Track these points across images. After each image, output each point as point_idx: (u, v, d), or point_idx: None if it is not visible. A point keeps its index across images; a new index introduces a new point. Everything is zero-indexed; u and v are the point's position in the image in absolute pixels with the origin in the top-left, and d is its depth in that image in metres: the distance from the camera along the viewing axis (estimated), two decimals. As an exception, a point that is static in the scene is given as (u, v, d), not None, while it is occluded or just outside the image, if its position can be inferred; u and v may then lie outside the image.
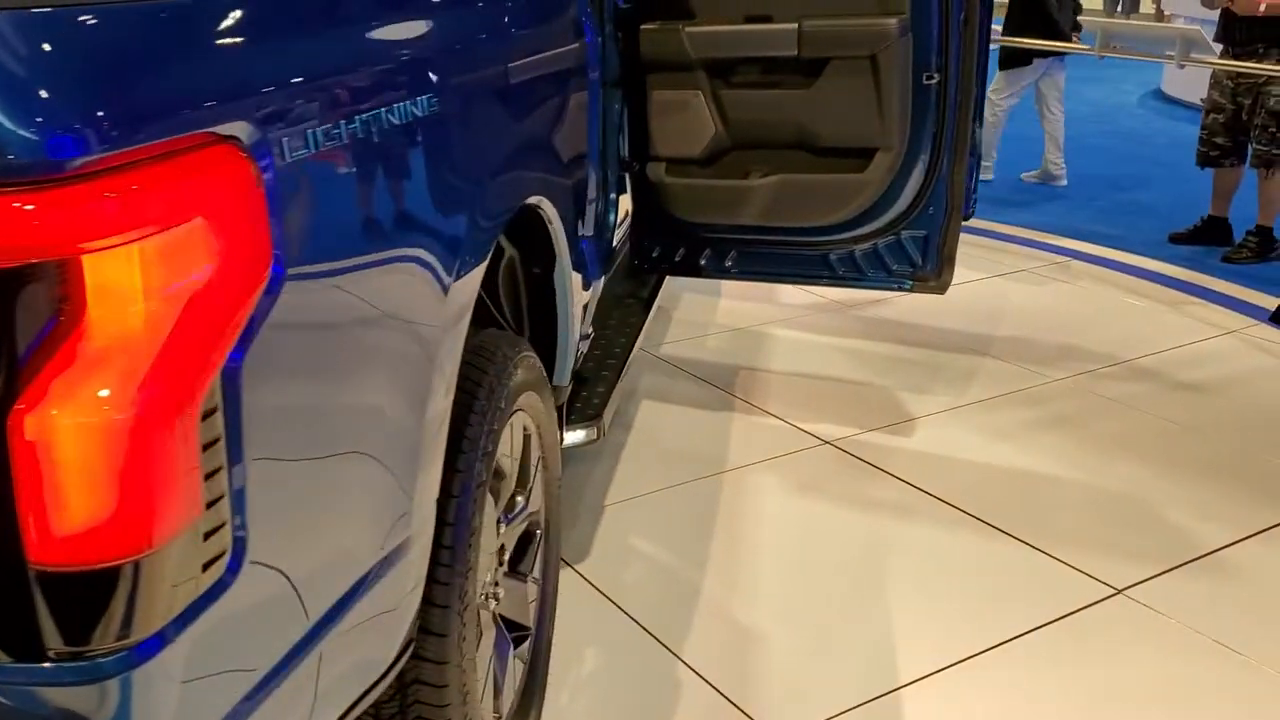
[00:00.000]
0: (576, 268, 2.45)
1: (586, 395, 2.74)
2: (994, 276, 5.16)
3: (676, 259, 3.51)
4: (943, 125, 3.10)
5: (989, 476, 3.26)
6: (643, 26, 3.22)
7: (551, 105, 2.18)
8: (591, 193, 2.54)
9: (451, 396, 1.59)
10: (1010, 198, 6.67)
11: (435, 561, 1.65)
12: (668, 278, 3.69)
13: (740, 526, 2.97)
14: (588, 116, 2.44)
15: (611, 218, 3.50)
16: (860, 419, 3.61)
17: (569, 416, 2.59)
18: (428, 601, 1.64)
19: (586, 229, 2.56)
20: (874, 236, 3.25)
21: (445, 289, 1.52)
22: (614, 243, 3.53)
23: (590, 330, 2.69)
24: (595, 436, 2.60)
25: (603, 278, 2.88)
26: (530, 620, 2.20)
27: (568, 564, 2.78)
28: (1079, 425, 3.60)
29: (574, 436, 2.57)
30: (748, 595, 2.67)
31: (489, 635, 1.91)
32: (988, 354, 4.21)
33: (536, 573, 2.22)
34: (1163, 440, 3.51)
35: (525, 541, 2.19)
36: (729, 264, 3.46)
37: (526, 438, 2.09)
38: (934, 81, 3.03)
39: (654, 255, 3.52)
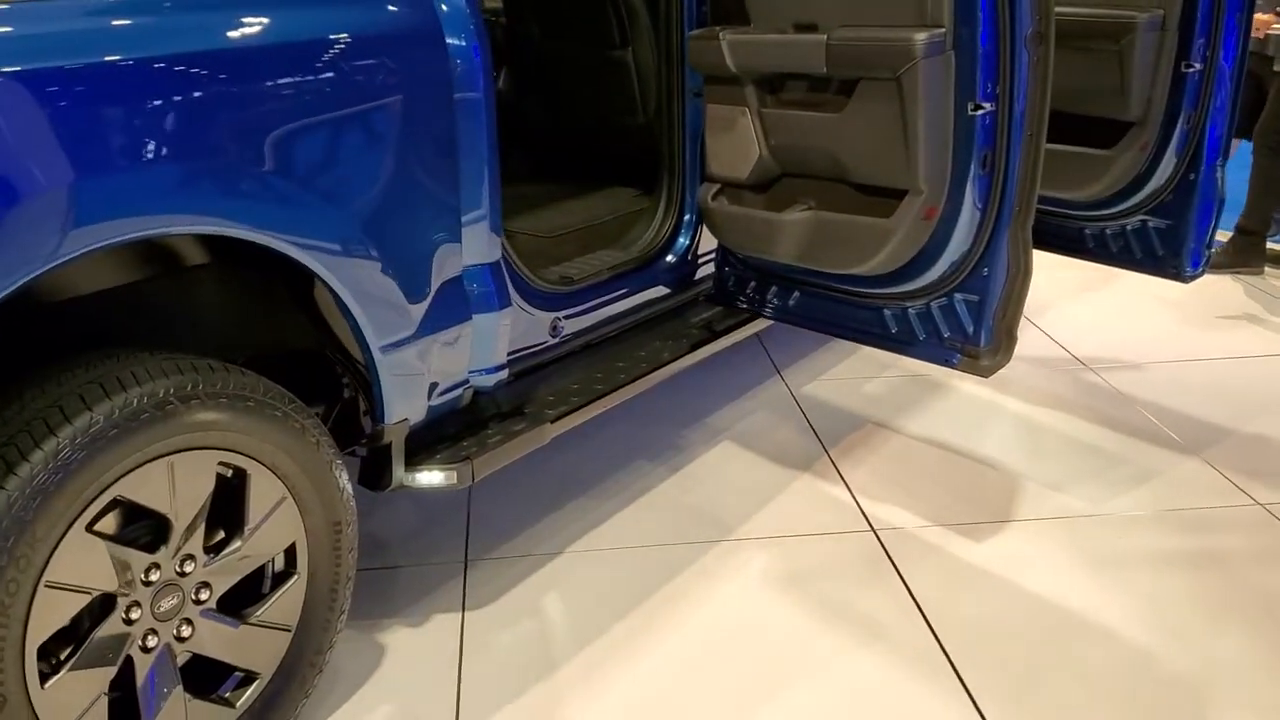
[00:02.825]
0: (436, 299, 2.27)
1: (488, 434, 2.53)
2: (1312, 354, 4.03)
3: (748, 292, 3.13)
4: (1001, 168, 2.46)
5: (1023, 616, 2.56)
6: (689, 34, 2.89)
7: (324, 122, 1.98)
8: (476, 213, 2.31)
9: None
10: None
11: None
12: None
13: (673, 608, 2.60)
14: (448, 135, 2.21)
15: (682, 240, 3.21)
16: (945, 510, 2.99)
17: (432, 456, 2.41)
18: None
19: (473, 256, 2.34)
20: (924, 295, 2.67)
21: None
22: (694, 263, 3.24)
23: (503, 361, 2.48)
24: (456, 481, 2.39)
25: (530, 305, 2.63)
26: (261, 665, 2.11)
27: (464, 609, 2.62)
28: (1222, 571, 2.71)
29: (429, 478, 2.39)
30: (600, 691, 2.33)
31: (107, 671, 1.85)
32: (1200, 454, 3.29)
33: (281, 618, 2.12)
34: (1326, 617, 2.55)
35: (261, 582, 2.09)
36: (792, 305, 3.02)
37: (235, 479, 1.98)
38: (981, 112, 2.40)
39: (729, 286, 3.17)
